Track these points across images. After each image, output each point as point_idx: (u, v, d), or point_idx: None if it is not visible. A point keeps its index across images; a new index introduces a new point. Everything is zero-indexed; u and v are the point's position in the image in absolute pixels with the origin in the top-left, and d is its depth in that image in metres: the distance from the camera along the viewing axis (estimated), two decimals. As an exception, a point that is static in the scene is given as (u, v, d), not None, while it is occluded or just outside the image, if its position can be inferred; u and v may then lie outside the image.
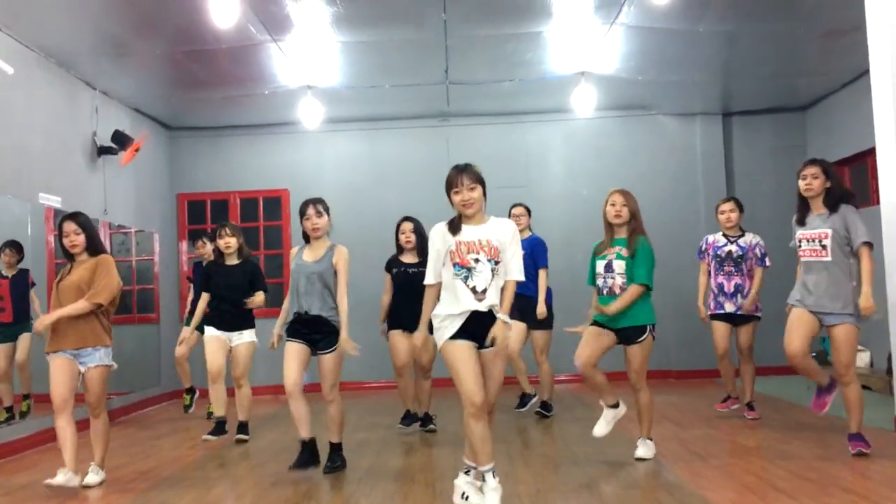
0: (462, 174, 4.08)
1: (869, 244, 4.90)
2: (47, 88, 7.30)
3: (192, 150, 10.29)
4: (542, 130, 10.26)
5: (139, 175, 9.14)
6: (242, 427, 6.58)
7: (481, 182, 4.10)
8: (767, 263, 6.64)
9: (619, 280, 5.05)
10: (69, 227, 5.09)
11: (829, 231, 4.97)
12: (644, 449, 5.23)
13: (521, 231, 7.04)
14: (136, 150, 8.32)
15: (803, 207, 5.21)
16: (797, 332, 5.05)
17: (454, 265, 4.02)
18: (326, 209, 5.32)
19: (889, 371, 7.46)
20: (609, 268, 5.11)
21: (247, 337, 6.59)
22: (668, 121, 10.30)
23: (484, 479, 3.97)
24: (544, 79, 8.63)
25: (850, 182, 9.55)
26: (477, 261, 3.99)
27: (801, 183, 5.12)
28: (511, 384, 9.62)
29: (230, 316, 6.54)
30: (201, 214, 10.35)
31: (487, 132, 10.19)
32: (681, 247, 9.41)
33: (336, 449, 5.30)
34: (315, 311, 5.12)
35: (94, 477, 5.08)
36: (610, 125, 10.20)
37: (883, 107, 5.76)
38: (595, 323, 5.19)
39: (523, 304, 6.91)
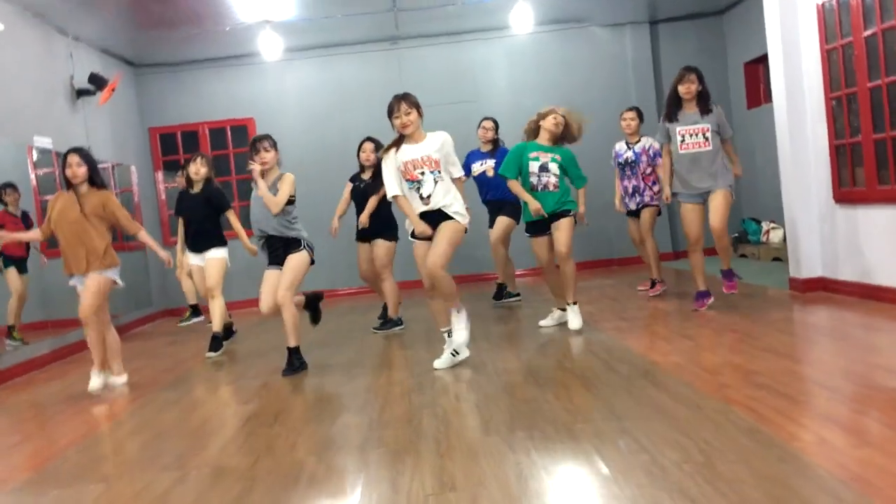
0: (400, 102, 4.87)
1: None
2: (29, 39, 7.91)
3: (159, 85, 10.87)
4: (486, 48, 11.04)
5: (113, 112, 9.78)
6: (215, 340, 6.84)
7: (417, 107, 4.89)
8: (658, 162, 7.35)
9: (554, 179, 6.04)
10: (73, 158, 5.47)
11: (709, 126, 6.11)
12: (575, 316, 6.06)
13: (486, 143, 7.91)
14: (113, 90, 8.97)
15: (676, 108, 6.25)
16: (698, 223, 6.27)
17: (406, 181, 4.98)
18: (274, 144, 5.65)
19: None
20: (545, 168, 6.07)
21: (216, 253, 6.90)
22: (600, 32, 11.13)
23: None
24: (484, 0, 9.40)
25: (763, 80, 10.59)
26: (422, 174, 4.96)
27: (682, 87, 6.15)
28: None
29: (200, 238, 7.03)
30: (173, 146, 11.05)
31: (436, 52, 10.96)
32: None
33: (294, 352, 5.60)
34: (270, 232, 5.60)
35: (117, 379, 5.83)
36: (547, 39, 11.02)
37: (772, 20, 6.72)
38: (534, 229, 6.18)
39: (501, 205, 7.71)
